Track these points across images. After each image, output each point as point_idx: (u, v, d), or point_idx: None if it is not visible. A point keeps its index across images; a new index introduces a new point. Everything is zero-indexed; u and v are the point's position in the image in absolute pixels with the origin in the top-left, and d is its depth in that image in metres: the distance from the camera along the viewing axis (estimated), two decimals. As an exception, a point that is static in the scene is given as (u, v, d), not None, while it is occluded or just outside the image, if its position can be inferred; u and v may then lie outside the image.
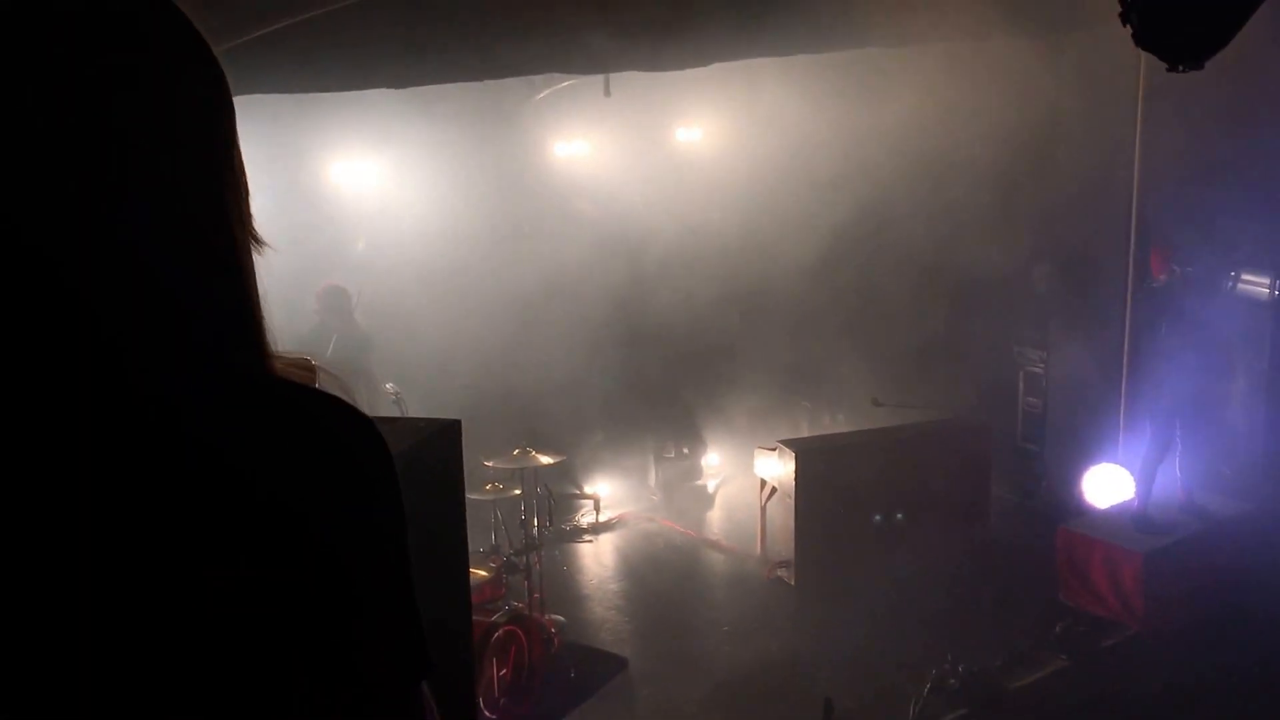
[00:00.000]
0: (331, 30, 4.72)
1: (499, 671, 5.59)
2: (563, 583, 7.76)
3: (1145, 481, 6.97)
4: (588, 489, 9.41)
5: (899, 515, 7.50)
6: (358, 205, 8.82)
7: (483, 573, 6.05)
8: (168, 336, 0.97)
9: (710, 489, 9.92)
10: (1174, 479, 7.09)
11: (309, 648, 0.99)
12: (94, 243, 0.94)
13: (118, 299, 0.95)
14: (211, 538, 0.95)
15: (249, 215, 1.06)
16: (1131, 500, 7.10)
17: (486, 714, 5.52)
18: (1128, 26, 3.03)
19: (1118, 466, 7.42)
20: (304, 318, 7.52)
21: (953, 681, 5.87)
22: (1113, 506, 7.29)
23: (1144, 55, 3.65)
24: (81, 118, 0.93)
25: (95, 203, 0.94)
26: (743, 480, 9.16)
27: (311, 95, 6.42)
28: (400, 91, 6.02)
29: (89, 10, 0.94)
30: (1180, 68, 3.06)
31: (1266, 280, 7.08)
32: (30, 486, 0.92)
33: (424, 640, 1.08)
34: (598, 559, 8.46)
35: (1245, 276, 7.20)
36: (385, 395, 6.72)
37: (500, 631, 5.58)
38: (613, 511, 9.29)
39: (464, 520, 2.71)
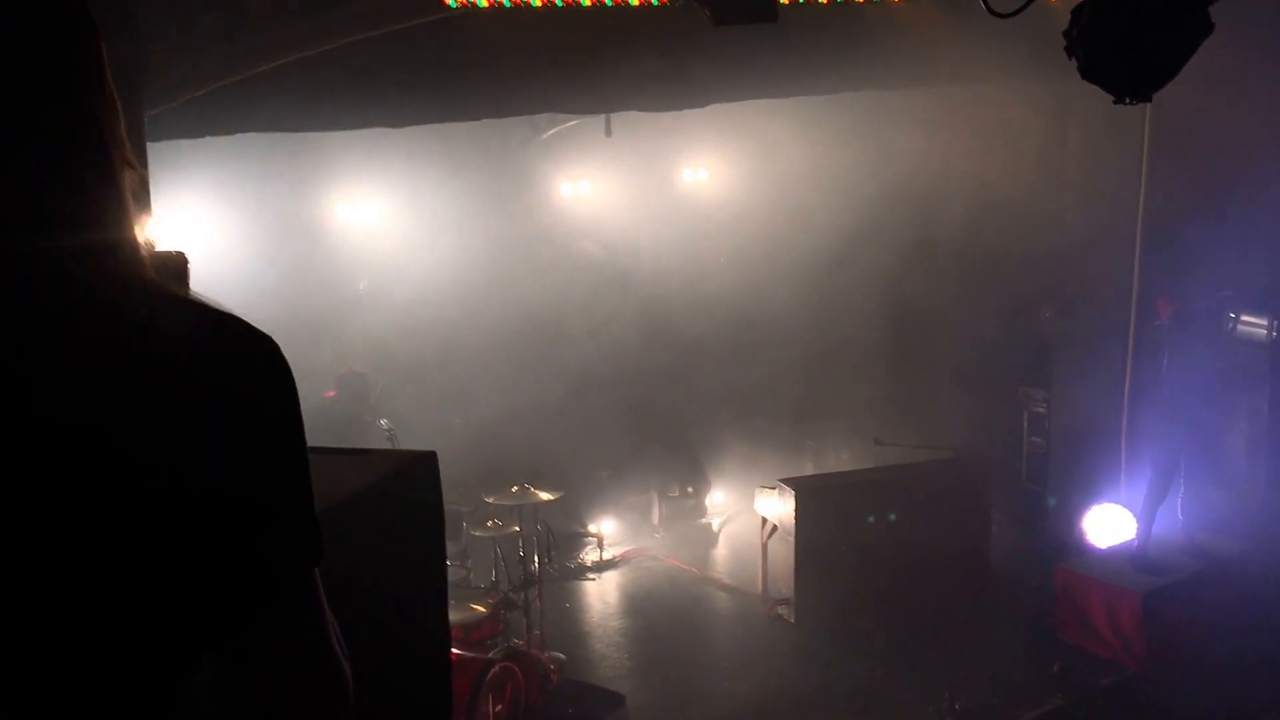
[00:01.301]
0: (326, 69, 4.78)
1: (494, 708, 5.57)
2: (565, 620, 7.76)
3: (1145, 521, 6.94)
4: (592, 527, 9.42)
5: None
6: (361, 244, 8.91)
7: (480, 609, 6.04)
8: (45, 241, 1.01)
9: (714, 527, 9.91)
10: (1175, 519, 7.07)
11: (215, 545, 1.04)
12: None
13: None
14: (107, 453, 0.98)
15: (122, 135, 1.11)
16: (1131, 540, 7.08)
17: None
18: (1073, 60, 3.05)
19: (1119, 506, 7.41)
20: (311, 368, 7.33)
21: (950, 719, 5.86)
22: (1113, 546, 7.27)
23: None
24: None
25: None
26: (748, 518, 9.16)
27: (316, 134, 6.52)
28: (404, 131, 6.10)
29: None
30: (1127, 101, 3.07)
31: (1265, 322, 7.10)
32: None
33: (319, 532, 1.15)
34: (600, 596, 8.46)
35: (1245, 318, 7.22)
36: (379, 430, 6.77)
37: (496, 668, 5.56)
38: (617, 549, 9.30)
39: (443, 553, 2.71)
